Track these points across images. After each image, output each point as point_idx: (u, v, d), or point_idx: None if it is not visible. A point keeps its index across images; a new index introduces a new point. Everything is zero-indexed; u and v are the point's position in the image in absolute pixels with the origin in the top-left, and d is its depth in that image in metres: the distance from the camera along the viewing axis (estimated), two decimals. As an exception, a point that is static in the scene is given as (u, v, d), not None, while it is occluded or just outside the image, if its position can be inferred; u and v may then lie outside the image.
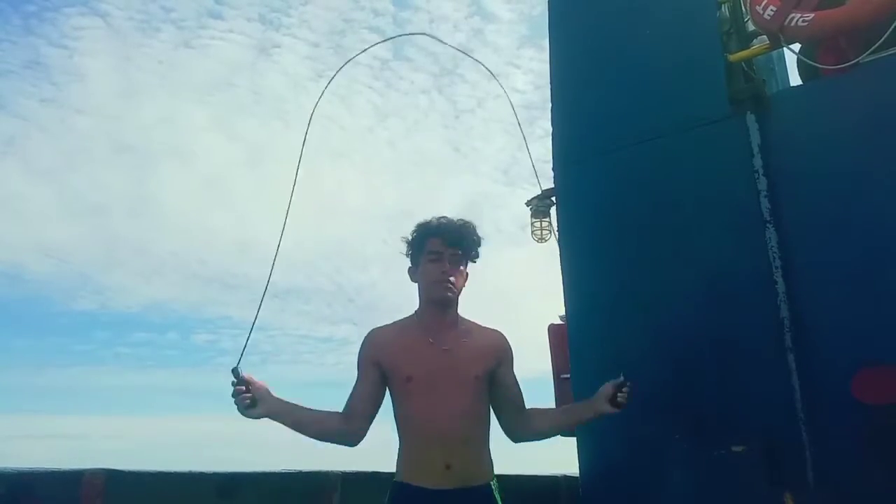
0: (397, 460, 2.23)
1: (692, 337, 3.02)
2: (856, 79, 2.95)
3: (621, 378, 2.28)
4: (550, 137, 3.70)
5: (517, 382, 2.35)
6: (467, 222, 2.33)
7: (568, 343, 3.47)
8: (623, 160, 3.40)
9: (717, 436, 2.82)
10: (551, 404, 3.98)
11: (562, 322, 3.77)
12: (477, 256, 2.36)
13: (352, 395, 2.23)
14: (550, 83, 3.78)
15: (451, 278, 2.24)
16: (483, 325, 2.38)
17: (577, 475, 3.24)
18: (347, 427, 2.18)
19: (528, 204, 5.25)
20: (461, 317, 2.34)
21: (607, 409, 2.27)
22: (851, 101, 2.91)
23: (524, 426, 2.33)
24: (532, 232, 5.28)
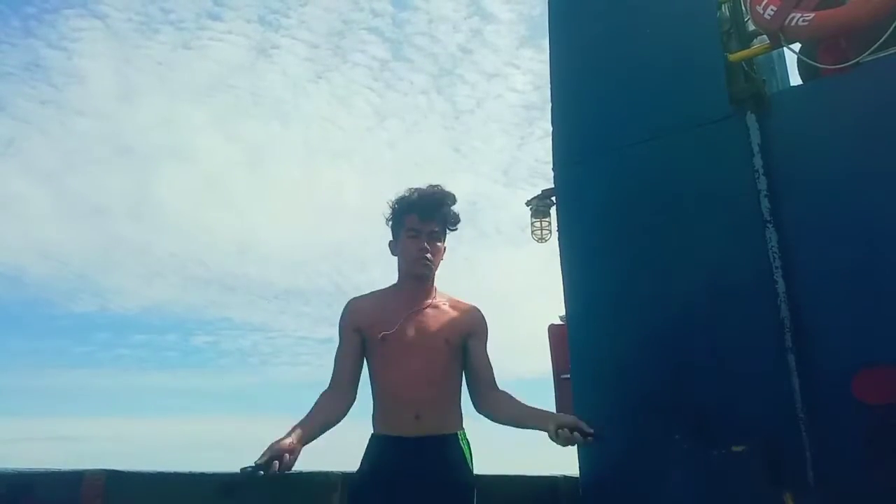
0: (372, 415, 2.36)
1: (692, 337, 3.02)
2: (856, 79, 2.96)
3: (592, 430, 2.05)
4: (550, 137, 3.70)
5: (488, 358, 2.43)
6: (445, 193, 2.41)
7: (568, 343, 3.47)
8: (623, 160, 3.41)
9: (717, 436, 2.82)
10: (551, 404, 4.00)
11: (562, 322, 3.77)
12: (455, 226, 2.46)
13: (336, 364, 2.35)
14: (550, 83, 3.78)
15: (429, 255, 2.35)
16: (460, 299, 2.49)
17: (577, 475, 3.24)
18: (338, 405, 2.28)
19: (528, 204, 5.26)
20: (437, 289, 2.45)
21: (550, 430, 2.07)
22: (851, 101, 2.92)
23: (488, 405, 2.37)
24: (532, 232, 5.30)
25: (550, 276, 3.59)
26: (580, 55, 3.73)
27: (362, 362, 2.38)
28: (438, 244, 2.40)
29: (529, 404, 2.32)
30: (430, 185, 2.43)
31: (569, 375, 3.49)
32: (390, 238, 2.47)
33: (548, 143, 3.71)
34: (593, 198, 3.50)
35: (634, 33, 3.53)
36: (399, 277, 2.45)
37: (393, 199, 2.45)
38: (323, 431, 2.21)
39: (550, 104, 3.76)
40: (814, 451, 2.69)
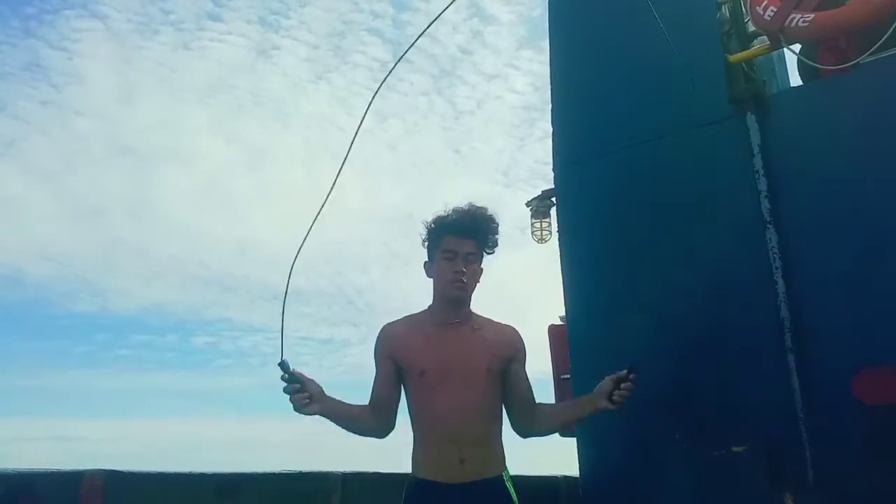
0: (412, 454, 2.25)
1: (692, 337, 3.02)
2: (856, 79, 2.96)
3: (625, 371, 2.19)
4: (550, 138, 3.70)
5: (528, 379, 2.35)
6: (484, 214, 2.31)
7: (568, 343, 3.46)
8: (623, 160, 3.40)
9: (717, 436, 2.82)
10: (551, 405, 3.99)
11: (562, 323, 3.77)
12: (494, 249, 2.36)
13: (374, 388, 2.28)
14: (550, 84, 3.78)
15: (464, 278, 2.25)
16: (497, 321, 2.39)
17: (577, 475, 3.23)
18: (376, 422, 2.24)
19: (528, 205, 5.26)
20: (474, 312, 2.35)
21: (605, 405, 2.21)
22: (851, 101, 2.91)
23: (533, 422, 2.33)
24: (532, 233, 5.29)
25: (550, 277, 3.59)
26: (580, 56, 3.73)
27: (400, 391, 2.28)
28: (475, 266, 2.29)
29: (560, 404, 2.31)
30: (471, 204, 2.32)
31: (569, 375, 3.49)
32: (426, 259, 2.36)
33: (548, 143, 3.72)
34: (593, 198, 3.50)
35: (634, 34, 3.53)
36: (434, 300, 2.34)
37: (429, 219, 2.33)
38: (349, 424, 2.19)
39: (550, 105, 3.76)
40: (814, 451, 2.69)
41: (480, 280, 2.33)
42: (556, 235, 3.79)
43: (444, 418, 2.17)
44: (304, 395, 2.02)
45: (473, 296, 2.33)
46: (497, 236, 2.34)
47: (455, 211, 2.30)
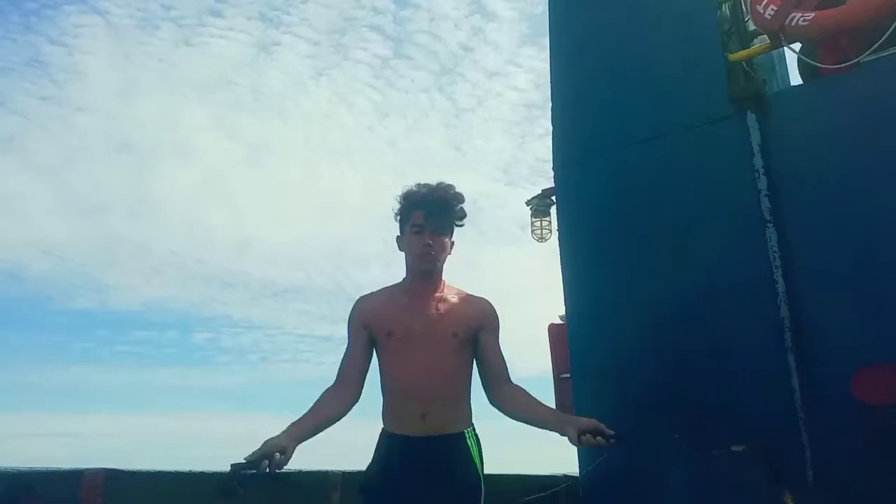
0: (382, 411, 2.36)
1: (692, 337, 3.02)
2: (856, 79, 2.95)
3: (614, 433, 2.04)
4: (550, 137, 3.70)
5: (500, 352, 2.40)
6: (450, 189, 2.39)
7: (568, 343, 3.47)
8: (623, 160, 3.40)
9: (717, 436, 2.82)
10: (551, 403, 3.99)
11: (562, 322, 3.77)
12: (462, 221, 2.44)
13: (343, 361, 2.35)
14: (550, 82, 3.78)
15: (432, 252, 2.34)
16: (470, 293, 2.46)
17: (577, 475, 3.24)
18: (340, 402, 2.28)
19: (528, 203, 5.25)
20: (447, 283, 2.44)
21: (571, 436, 2.09)
22: (851, 100, 2.91)
23: (498, 397, 2.35)
24: (532, 231, 5.29)
25: (550, 276, 3.60)
26: (580, 55, 3.73)
27: (370, 360, 2.38)
28: (444, 239, 2.38)
29: (543, 403, 2.29)
30: (438, 183, 2.41)
31: (569, 375, 3.49)
32: (398, 234, 2.45)
33: (549, 141, 3.72)
34: (593, 198, 3.50)
35: (635, 33, 3.53)
36: (406, 273, 2.44)
37: (400, 193, 2.43)
38: (322, 429, 2.19)
39: (550, 103, 3.76)
40: (814, 451, 2.69)
41: (452, 252, 2.43)
42: (556, 234, 3.80)
43: (408, 376, 2.29)
44: (274, 461, 1.93)
45: (446, 268, 2.42)
46: (463, 206, 2.42)
47: (423, 186, 2.39)
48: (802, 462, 2.69)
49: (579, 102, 3.67)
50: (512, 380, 2.38)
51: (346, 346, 2.39)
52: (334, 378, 2.33)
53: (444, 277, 2.43)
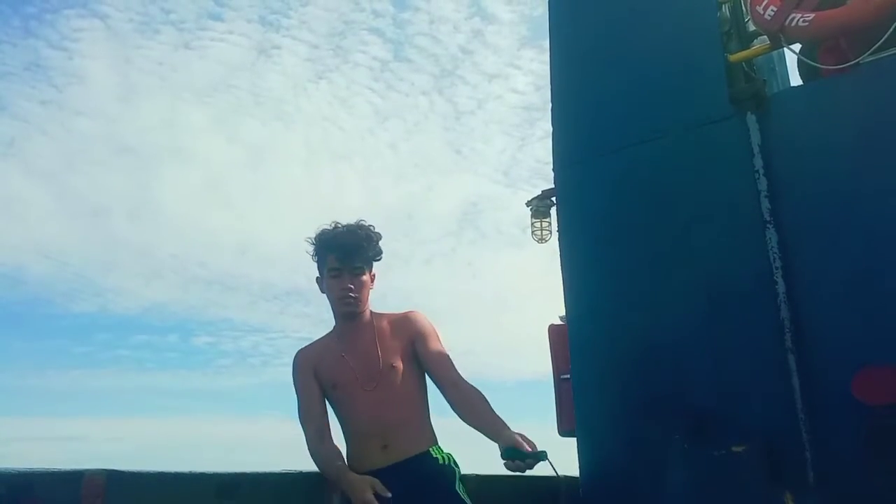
0: (346, 453, 2.39)
1: (692, 337, 3.02)
2: (856, 79, 2.95)
3: (539, 451, 2.09)
4: (550, 138, 3.70)
5: (440, 355, 2.42)
6: (362, 228, 2.41)
7: (568, 343, 3.46)
8: (623, 160, 3.40)
9: (717, 436, 2.82)
10: (551, 404, 3.99)
11: (562, 322, 3.77)
12: (378, 257, 2.46)
13: (308, 416, 2.39)
14: (550, 83, 3.78)
15: (352, 294, 2.37)
16: (395, 312, 2.50)
17: (577, 475, 3.23)
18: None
19: (528, 204, 5.25)
20: (374, 312, 2.47)
21: (501, 447, 2.13)
22: (851, 101, 2.91)
23: (453, 403, 2.37)
24: (532, 232, 5.29)
25: (550, 277, 3.59)
26: (580, 55, 3.73)
27: (326, 406, 2.44)
28: (363, 278, 2.40)
29: (491, 409, 2.28)
30: (351, 223, 2.41)
31: (569, 376, 3.49)
32: (317, 275, 2.48)
33: (548, 143, 3.71)
34: (593, 198, 3.50)
35: (635, 34, 3.53)
36: (334, 317, 2.48)
37: (313, 235, 2.44)
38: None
39: (550, 104, 3.76)
40: (814, 451, 2.69)
41: (374, 285, 2.45)
42: (556, 235, 3.80)
43: (363, 419, 2.34)
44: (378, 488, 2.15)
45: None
46: (378, 244, 2.45)
47: (335, 229, 2.41)
48: (803, 462, 2.69)
49: (579, 103, 3.67)
50: (464, 378, 2.38)
51: (298, 401, 2.41)
52: (308, 434, 2.36)
53: (370, 309, 2.45)
